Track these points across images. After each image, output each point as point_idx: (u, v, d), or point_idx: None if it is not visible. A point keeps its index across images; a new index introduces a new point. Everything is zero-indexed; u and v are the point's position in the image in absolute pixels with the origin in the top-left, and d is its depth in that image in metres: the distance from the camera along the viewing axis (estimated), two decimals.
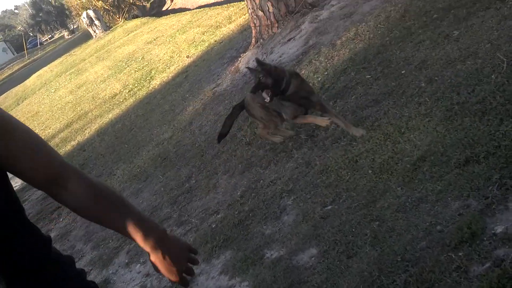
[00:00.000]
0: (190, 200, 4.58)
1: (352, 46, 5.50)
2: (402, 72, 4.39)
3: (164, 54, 12.62)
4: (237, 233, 3.65)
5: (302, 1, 7.35)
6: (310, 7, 7.37)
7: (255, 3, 7.25)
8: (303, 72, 5.60)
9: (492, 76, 3.50)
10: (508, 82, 3.33)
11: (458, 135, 3.13)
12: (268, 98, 3.92)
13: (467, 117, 3.25)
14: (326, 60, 5.57)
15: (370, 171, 3.37)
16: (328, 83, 5.07)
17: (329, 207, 3.33)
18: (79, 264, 4.61)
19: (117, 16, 30.84)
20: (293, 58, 6.20)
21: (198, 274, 3.49)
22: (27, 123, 13.17)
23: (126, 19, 30.37)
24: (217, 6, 16.05)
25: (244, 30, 9.63)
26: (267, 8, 7.18)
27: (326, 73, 5.29)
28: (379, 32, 5.45)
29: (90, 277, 4.08)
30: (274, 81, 3.85)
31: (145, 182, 5.56)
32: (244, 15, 11.44)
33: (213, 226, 3.93)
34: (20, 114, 17.49)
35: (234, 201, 4.09)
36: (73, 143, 9.46)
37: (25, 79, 28.62)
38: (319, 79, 5.26)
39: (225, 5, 15.37)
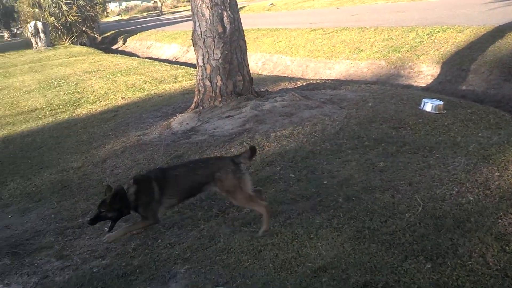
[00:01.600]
0: (78, 236, 4.31)
1: (285, 143, 5.68)
2: (324, 182, 4.56)
3: (100, 88, 12.37)
4: (117, 286, 3.44)
5: (249, 87, 7.61)
6: (255, 94, 7.63)
7: (206, 73, 7.40)
8: (232, 150, 5.67)
9: (406, 214, 3.72)
10: (420, 224, 3.55)
11: (362, 258, 3.24)
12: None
13: (374, 244, 3.39)
14: (257, 146, 5.67)
15: (271, 265, 3.36)
16: (253, 168, 5.14)
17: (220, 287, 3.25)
18: None
19: (65, 37, 30.22)
20: (226, 134, 6.28)
21: None
22: None
23: (72, 42, 29.82)
24: (166, 64, 16.21)
25: (186, 93, 9.71)
26: (216, 81, 7.33)
27: (253, 159, 5.37)
28: (312, 139, 5.69)
29: None
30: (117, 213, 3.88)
31: (36, 203, 5.20)
32: (191, 79, 11.61)
33: (95, 270, 3.69)
34: None
35: (125, 252, 3.90)
36: None
37: None
38: None
39: (175, 66, 15.56)
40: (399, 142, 5.24)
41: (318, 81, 9.44)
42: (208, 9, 7.26)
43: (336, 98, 7.25)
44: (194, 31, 7.52)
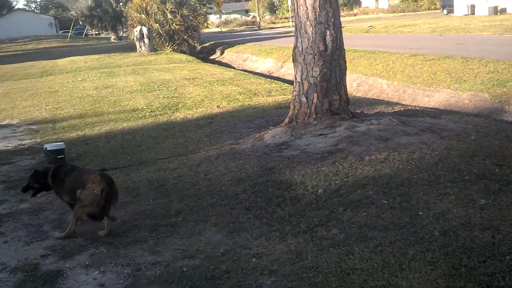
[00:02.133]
0: (171, 235, 4.47)
1: (379, 168, 5.56)
2: (419, 213, 4.41)
3: (197, 95, 12.82)
4: (204, 287, 3.53)
5: (345, 107, 7.55)
6: (350, 115, 7.56)
7: (303, 89, 7.45)
8: (323, 168, 5.65)
9: (507, 257, 3.51)
10: None
11: None
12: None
13: (471, 283, 3.24)
14: (349, 168, 5.61)
15: None
16: (344, 190, 5.08)
17: None
18: (39, 244, 4.46)
19: (167, 44, 31.69)
20: (318, 151, 6.27)
21: None
22: (42, 95, 13.26)
23: (173, 49, 31.20)
24: (261, 77, 16.50)
25: (280, 107, 9.82)
26: (312, 98, 7.36)
27: (345, 179, 5.32)
28: (408, 167, 5.53)
29: (45, 262, 3.94)
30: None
31: (133, 198, 5.46)
32: (284, 94, 11.74)
33: (184, 269, 3.81)
34: (40, 85, 17.62)
35: (214, 256, 3.99)
36: (79, 133, 9.44)
37: (58, 58, 29.05)
38: (337, 182, 5.28)
39: (269, 80, 15.80)
40: (503, 180, 4.96)
41: (416, 108, 9.19)
42: (312, 27, 7.33)
43: (436, 127, 7.00)
44: (295, 47, 7.61)
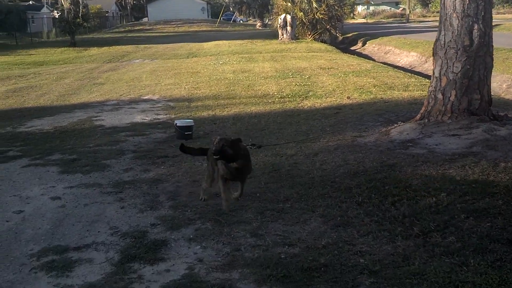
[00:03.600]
0: (275, 220, 4.42)
1: None
2: None
3: (329, 84, 12.63)
4: (299, 278, 3.42)
5: (486, 108, 6.88)
6: (491, 117, 6.87)
7: (440, 85, 6.92)
8: (450, 171, 5.19)
9: None
10: None
11: None
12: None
13: None
14: (480, 173, 5.09)
15: None
16: (470, 196, 4.61)
17: None
18: (151, 213, 4.69)
19: (308, 32, 31.74)
20: (448, 153, 5.79)
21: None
22: (184, 75, 14.09)
23: (314, 38, 31.16)
24: (400, 71, 15.77)
25: (414, 103, 9.27)
26: (449, 95, 6.80)
27: (474, 185, 4.83)
28: None
29: (153, 231, 4.13)
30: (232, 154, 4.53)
31: (248, 180, 5.50)
32: (422, 90, 11.06)
33: (282, 256, 3.73)
34: (184, 66, 18.70)
35: (315, 247, 3.86)
36: (210, 112, 9.82)
37: (205, 42, 30.61)
38: (463, 187, 4.81)
39: (409, 74, 15.05)
40: None
41: None
42: (458, 19, 6.76)
43: None
44: (437, 40, 7.10)
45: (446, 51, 6.88)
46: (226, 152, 4.46)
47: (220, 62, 19.36)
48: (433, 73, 7.12)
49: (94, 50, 28.04)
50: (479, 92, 6.81)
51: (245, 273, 3.52)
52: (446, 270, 3.40)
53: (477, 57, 6.75)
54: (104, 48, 29.30)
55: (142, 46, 29.52)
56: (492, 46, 6.98)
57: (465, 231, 3.98)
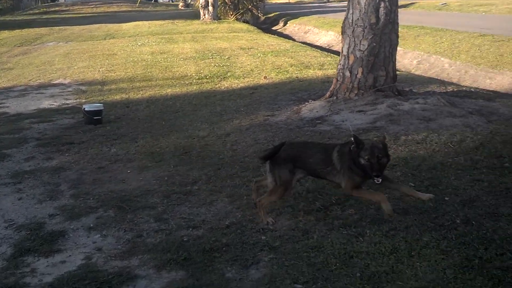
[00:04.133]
0: (182, 203, 4.38)
1: (413, 149, 5.21)
2: (446, 198, 4.08)
3: (248, 64, 12.63)
4: (200, 259, 3.41)
5: (392, 84, 7.14)
6: (396, 93, 7.15)
7: (348, 63, 7.10)
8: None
9: None
10: None
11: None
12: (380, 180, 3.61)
13: (481, 277, 2.97)
14: None
15: (358, 274, 3.12)
16: None
17: (299, 286, 3.06)
18: (51, 204, 4.50)
19: (231, 13, 31.51)
20: (353, 128, 5.96)
21: (143, 276, 3.27)
22: (99, 57, 13.52)
23: (237, 19, 30.99)
24: (318, 50, 16.04)
25: (327, 81, 9.45)
26: (356, 72, 7.00)
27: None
28: (445, 149, 5.15)
29: (51, 222, 3.95)
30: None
31: (156, 164, 5.42)
32: (336, 68, 11.30)
33: (185, 239, 3.71)
34: (100, 47, 18.00)
35: (218, 228, 3.86)
36: (123, 95, 9.55)
37: (124, 22, 29.61)
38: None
39: (325, 53, 15.34)
40: None
41: (472, 89, 8.57)
42: None
43: (485, 110, 6.48)
44: (345, 18, 7.26)
45: (354, 29, 7.04)
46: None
47: (139, 44, 18.82)
48: (342, 51, 7.29)
49: (4, 34, 26.30)
50: (385, 69, 7.05)
51: (145, 259, 3.46)
52: (342, 242, 3.52)
53: (383, 34, 6.96)
54: (16, 31, 27.57)
55: (57, 28, 28.05)
56: (398, 23, 7.22)
57: (364, 203, 4.12)
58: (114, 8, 46.26)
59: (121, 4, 52.61)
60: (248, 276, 3.20)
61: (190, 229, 3.88)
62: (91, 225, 4.02)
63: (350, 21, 7.12)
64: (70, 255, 3.56)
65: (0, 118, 8.10)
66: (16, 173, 5.35)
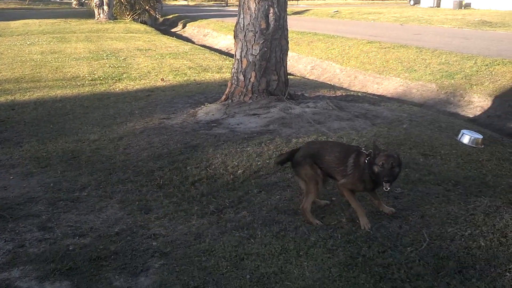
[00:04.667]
0: (69, 210, 4.19)
1: None
2: (333, 199, 4.26)
3: (145, 66, 12.39)
4: (86, 268, 3.28)
5: (283, 88, 7.35)
6: (288, 97, 7.37)
7: (241, 67, 7.21)
8: (248, 149, 5.44)
9: (408, 249, 3.42)
10: (419, 262, 3.25)
11: (346, 287, 2.96)
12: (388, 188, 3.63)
13: (364, 274, 3.14)
14: (274, 149, 5.42)
15: (248, 276, 3.13)
16: (264, 171, 4.89)
17: None
18: None
19: (127, 13, 30.75)
20: (247, 131, 6.06)
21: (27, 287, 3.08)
22: None
23: (134, 19, 30.30)
24: (216, 53, 16.12)
25: (225, 85, 9.45)
26: (250, 76, 7.13)
27: (268, 161, 5.12)
28: None
29: None
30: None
31: (41, 169, 5.13)
32: None
33: (71, 248, 3.55)
34: None
35: (107, 235, 3.74)
36: (9, 97, 8.93)
37: (12, 20, 27.80)
38: (259, 163, 5.08)
39: (224, 56, 15.47)
40: (425, 170, 4.86)
41: (359, 94, 9.07)
42: (255, 3, 7.06)
43: (371, 113, 6.89)
44: (237, 23, 7.35)
45: (245, 34, 7.16)
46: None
47: (28, 43, 17.75)
48: (235, 55, 7.38)
49: None
50: (277, 73, 7.24)
51: (26, 270, 3.27)
52: (234, 244, 3.56)
53: (273, 39, 7.14)
54: None
55: None
56: (287, 29, 7.44)
57: (256, 205, 4.21)
58: (1, 5, 43.33)
59: (9, 1, 49.44)
60: (137, 284, 3.13)
61: (77, 237, 3.72)
62: None
63: (242, 25, 7.23)
64: None
65: None
66: None
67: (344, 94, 8.66)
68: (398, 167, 3.65)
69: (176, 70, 11.79)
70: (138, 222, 3.96)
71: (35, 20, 27.76)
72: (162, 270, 3.27)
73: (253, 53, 7.09)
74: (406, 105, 8.30)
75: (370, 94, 10.15)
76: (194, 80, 10.44)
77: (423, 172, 4.82)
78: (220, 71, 11.86)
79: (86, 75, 11.11)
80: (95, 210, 4.19)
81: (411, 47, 14.58)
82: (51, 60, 13.57)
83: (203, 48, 18.23)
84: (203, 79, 10.61)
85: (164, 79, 10.57)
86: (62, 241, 3.66)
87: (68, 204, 4.28)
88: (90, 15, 30.39)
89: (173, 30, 29.76)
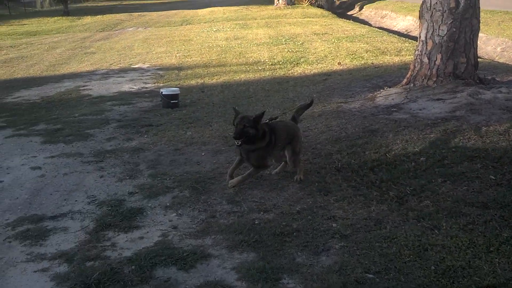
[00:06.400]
0: (254, 187, 4.44)
1: (495, 140, 4.96)
2: None
3: (322, 50, 12.50)
4: (271, 242, 3.45)
5: (472, 72, 6.82)
6: (477, 81, 6.82)
7: (426, 48, 6.85)
8: (432, 135, 5.18)
9: None
10: None
11: None
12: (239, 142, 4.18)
13: None
14: (461, 137, 5.08)
15: (433, 267, 3.03)
16: (449, 160, 4.62)
17: (370, 275, 3.02)
18: (130, 182, 4.70)
19: None
20: (430, 117, 5.76)
21: (216, 255, 3.36)
22: (176, 44, 13.86)
23: (311, 3, 30.64)
24: (395, 36, 15.57)
25: (404, 68, 9.16)
26: (435, 59, 6.74)
27: (454, 149, 4.82)
28: None
29: (130, 199, 4.13)
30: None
31: (229, 148, 5.52)
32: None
33: (256, 222, 3.76)
34: (177, 33, 18.46)
35: (289, 213, 3.89)
36: (199, 80, 9.76)
37: (199, 8, 30.17)
38: (443, 151, 4.81)
39: (403, 38, 14.87)
40: None
41: None
42: None
43: None
44: (423, 2, 7.00)
45: (432, 13, 6.78)
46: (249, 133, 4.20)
47: (214, 29, 19.12)
48: (419, 37, 7.05)
49: (87, 19, 27.62)
50: (465, 56, 6.75)
51: (218, 239, 3.55)
52: (416, 234, 3.44)
53: (463, 19, 6.66)
54: (98, 16, 28.87)
55: (136, 14, 29.09)
56: (479, 8, 6.87)
57: (441, 195, 4.01)
58: None
59: None
60: (318, 262, 3.20)
61: (262, 212, 3.93)
62: (168, 204, 4.17)
63: (428, 5, 6.86)
64: (147, 232, 3.72)
65: (84, 100, 8.55)
66: (98, 152, 5.64)
67: None
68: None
69: (353, 54, 11.67)
70: (318, 203, 4.03)
71: (219, 8, 29.75)
72: (342, 251, 3.30)
73: (439, 34, 6.70)
74: None
75: None
76: (372, 63, 10.24)
77: None
78: (399, 53, 11.44)
79: (267, 60, 11.59)
80: (277, 188, 4.38)
81: None
82: (235, 45, 14.42)
83: (380, 30, 17.77)
84: (381, 62, 10.34)
85: (341, 63, 10.55)
86: (249, 215, 3.90)
87: (253, 181, 4.53)
88: (269, 1, 31.53)
89: (349, 13, 29.44)
